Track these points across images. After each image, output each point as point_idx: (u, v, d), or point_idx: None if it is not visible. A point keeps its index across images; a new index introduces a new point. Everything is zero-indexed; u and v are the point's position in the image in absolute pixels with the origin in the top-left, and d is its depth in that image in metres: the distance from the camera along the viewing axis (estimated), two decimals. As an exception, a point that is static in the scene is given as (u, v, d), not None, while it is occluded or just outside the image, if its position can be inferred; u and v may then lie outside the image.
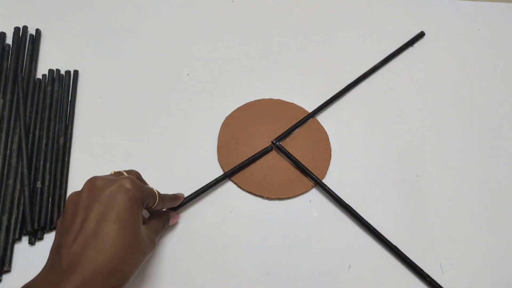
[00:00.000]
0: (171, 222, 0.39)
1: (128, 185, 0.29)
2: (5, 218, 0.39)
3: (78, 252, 0.25)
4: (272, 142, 0.46)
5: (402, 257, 0.41)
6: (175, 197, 0.39)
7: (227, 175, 0.44)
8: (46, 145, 0.44)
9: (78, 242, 0.26)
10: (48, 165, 0.43)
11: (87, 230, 0.26)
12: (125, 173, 0.33)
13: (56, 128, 0.45)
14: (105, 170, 0.43)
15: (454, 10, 0.61)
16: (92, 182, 0.29)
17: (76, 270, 0.24)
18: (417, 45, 0.57)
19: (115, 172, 0.34)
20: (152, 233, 0.33)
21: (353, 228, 0.43)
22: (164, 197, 0.35)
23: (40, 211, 0.40)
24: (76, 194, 0.29)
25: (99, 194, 0.28)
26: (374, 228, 0.42)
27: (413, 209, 0.45)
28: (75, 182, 0.43)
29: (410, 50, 0.57)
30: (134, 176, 0.33)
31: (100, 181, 0.29)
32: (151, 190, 0.33)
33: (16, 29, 0.50)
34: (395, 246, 0.41)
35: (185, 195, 0.42)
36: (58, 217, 0.41)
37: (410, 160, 0.48)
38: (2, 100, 0.45)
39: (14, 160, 0.42)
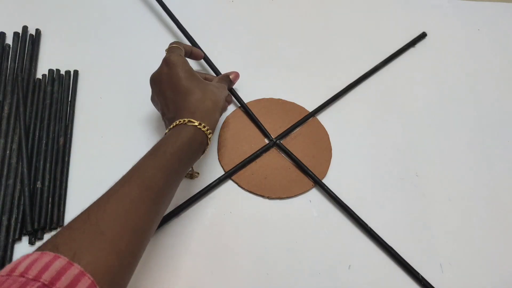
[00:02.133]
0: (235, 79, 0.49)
1: (167, 57, 0.40)
2: (5, 218, 0.39)
3: (181, 105, 0.39)
4: (272, 140, 0.46)
5: (396, 257, 0.41)
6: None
7: (229, 175, 0.44)
8: (46, 145, 0.44)
9: (179, 97, 0.39)
10: (48, 165, 0.43)
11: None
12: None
13: (56, 128, 0.45)
14: (105, 170, 0.43)
15: (454, 10, 0.61)
16: (162, 65, 0.41)
17: (190, 112, 0.38)
18: (418, 45, 0.57)
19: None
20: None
21: (353, 228, 0.43)
22: (188, 49, 0.45)
23: (40, 211, 0.40)
24: (156, 75, 0.41)
25: (163, 68, 0.40)
26: (370, 228, 0.42)
27: (413, 208, 0.45)
28: (75, 182, 0.43)
29: (411, 51, 0.56)
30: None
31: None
32: (178, 45, 0.43)
33: (16, 29, 0.50)
34: (391, 247, 0.41)
35: (187, 195, 0.42)
36: (58, 217, 0.41)
37: (410, 160, 0.48)
38: (2, 100, 0.46)
39: (14, 160, 0.42)
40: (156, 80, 0.41)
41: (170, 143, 0.35)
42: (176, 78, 0.39)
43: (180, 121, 0.37)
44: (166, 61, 0.40)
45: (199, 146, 0.37)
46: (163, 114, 0.41)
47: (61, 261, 0.24)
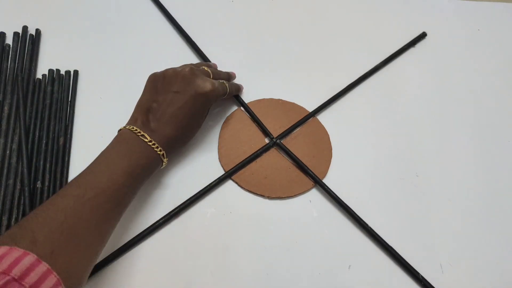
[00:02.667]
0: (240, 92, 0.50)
1: (208, 89, 0.40)
2: (5, 218, 0.39)
3: (163, 123, 0.38)
4: (272, 139, 0.46)
5: (396, 257, 0.41)
6: (238, 88, 0.49)
7: (229, 174, 0.44)
8: (46, 145, 0.44)
9: (164, 117, 0.38)
10: (48, 165, 0.43)
11: (173, 112, 0.39)
12: (209, 71, 0.43)
13: (56, 128, 0.45)
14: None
15: (454, 10, 0.61)
16: (189, 74, 0.40)
17: (160, 132, 0.38)
18: (418, 45, 0.57)
19: (206, 69, 0.43)
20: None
21: (353, 228, 0.43)
22: (231, 92, 0.46)
23: (40, 211, 0.40)
24: (174, 74, 0.40)
25: (188, 88, 0.39)
26: (370, 228, 0.42)
27: (413, 209, 0.45)
28: (75, 182, 0.43)
29: (411, 51, 0.56)
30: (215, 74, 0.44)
31: (195, 78, 0.40)
32: (224, 89, 0.43)
33: (16, 29, 0.51)
34: (391, 247, 0.41)
35: (187, 195, 0.42)
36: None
37: (410, 160, 0.48)
38: (2, 100, 0.46)
39: (14, 160, 0.42)
40: (164, 81, 0.40)
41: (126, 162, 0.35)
42: (191, 105, 0.39)
43: (147, 138, 0.37)
44: (201, 86, 0.39)
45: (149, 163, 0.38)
46: (141, 105, 0.40)
47: (30, 258, 0.26)
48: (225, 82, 0.44)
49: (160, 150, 0.38)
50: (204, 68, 0.43)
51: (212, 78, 0.43)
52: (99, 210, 0.32)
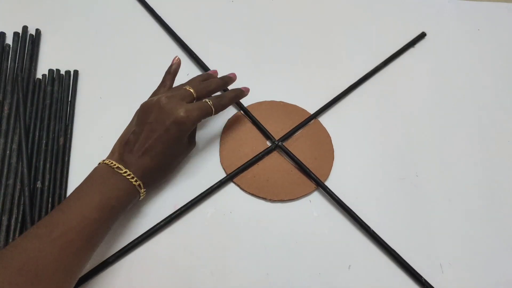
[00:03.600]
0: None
1: (180, 116, 0.38)
2: (5, 218, 0.39)
3: (139, 155, 0.38)
4: (274, 142, 0.46)
5: (398, 259, 0.41)
6: (232, 99, 0.44)
7: (231, 177, 0.44)
8: (46, 145, 0.44)
9: (140, 149, 0.38)
10: (48, 165, 0.43)
11: (148, 144, 0.38)
12: (192, 91, 0.41)
13: (56, 128, 0.45)
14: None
15: (454, 10, 0.61)
16: (163, 102, 0.39)
17: (136, 163, 0.37)
18: (417, 45, 0.57)
19: (187, 89, 0.41)
20: (194, 135, 0.44)
21: (353, 228, 0.43)
22: (219, 109, 0.42)
23: (40, 211, 0.40)
24: (151, 104, 0.39)
25: (163, 117, 0.38)
26: (373, 231, 0.42)
27: (413, 209, 0.45)
28: (75, 182, 0.43)
29: (411, 51, 0.56)
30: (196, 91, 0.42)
31: (169, 105, 0.38)
32: (206, 109, 0.40)
33: (16, 29, 0.50)
34: (392, 249, 0.41)
35: (188, 198, 0.42)
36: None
37: (410, 160, 0.48)
38: (2, 100, 0.45)
39: (14, 160, 0.42)
40: (142, 112, 0.39)
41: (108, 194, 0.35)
42: (166, 135, 0.38)
43: (122, 169, 0.36)
44: (174, 113, 0.38)
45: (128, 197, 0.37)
46: (120, 138, 0.40)
47: None
48: (209, 100, 0.41)
49: (136, 181, 0.37)
50: (185, 89, 0.41)
51: (196, 97, 0.41)
52: (67, 249, 0.31)
